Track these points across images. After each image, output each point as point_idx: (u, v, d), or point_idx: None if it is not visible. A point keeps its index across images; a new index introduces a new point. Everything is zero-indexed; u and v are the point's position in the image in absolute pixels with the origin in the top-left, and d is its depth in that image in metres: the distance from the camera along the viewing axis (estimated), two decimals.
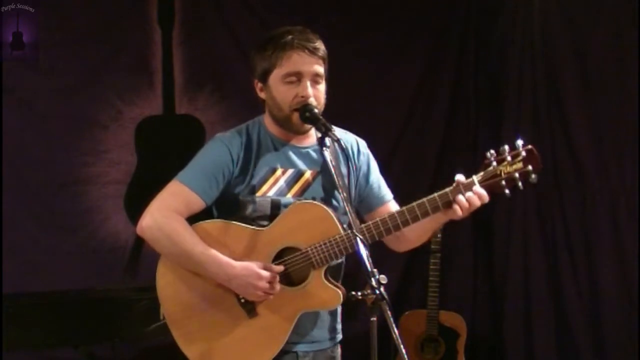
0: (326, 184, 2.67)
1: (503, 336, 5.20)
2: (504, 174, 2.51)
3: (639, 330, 4.56)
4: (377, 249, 2.58)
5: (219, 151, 2.64)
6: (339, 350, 2.79)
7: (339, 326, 2.78)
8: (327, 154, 2.55)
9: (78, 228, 4.72)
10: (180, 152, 4.71)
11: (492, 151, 2.54)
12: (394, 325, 2.27)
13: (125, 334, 4.07)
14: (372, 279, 2.28)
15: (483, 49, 5.33)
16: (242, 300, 2.59)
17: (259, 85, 2.67)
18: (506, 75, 5.20)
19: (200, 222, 2.62)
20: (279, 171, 2.66)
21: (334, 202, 2.67)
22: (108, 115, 4.77)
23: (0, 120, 4.47)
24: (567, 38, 4.86)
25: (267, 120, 2.70)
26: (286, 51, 2.58)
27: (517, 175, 2.50)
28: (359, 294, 2.33)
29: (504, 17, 5.20)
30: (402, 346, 2.26)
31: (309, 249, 2.56)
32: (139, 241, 4.70)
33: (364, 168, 2.77)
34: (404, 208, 2.55)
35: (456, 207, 2.51)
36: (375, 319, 2.31)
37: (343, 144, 2.56)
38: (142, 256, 4.72)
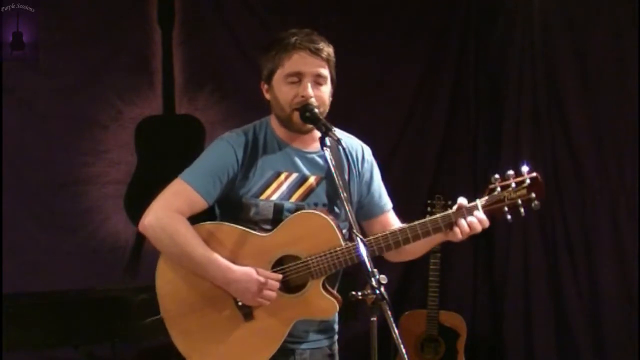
0: (329, 190, 2.68)
1: (503, 336, 5.20)
2: (507, 199, 2.54)
3: (639, 330, 4.56)
4: None
5: (224, 152, 2.64)
6: (336, 347, 2.80)
7: (336, 326, 2.79)
8: (328, 153, 2.55)
9: (78, 228, 4.72)
10: (180, 152, 4.75)
11: (497, 176, 2.56)
12: (394, 325, 2.27)
13: (125, 334, 4.07)
14: (372, 279, 2.28)
15: (483, 49, 5.34)
16: (240, 304, 2.60)
17: (265, 86, 2.69)
18: (506, 75, 5.20)
19: (203, 223, 2.62)
20: (283, 175, 2.66)
21: (336, 209, 2.68)
22: (108, 115, 4.77)
23: (0, 120, 4.47)
24: (567, 38, 4.86)
25: (273, 121, 2.71)
26: (288, 51, 2.59)
27: (520, 202, 2.53)
28: (359, 294, 2.32)
29: (504, 17, 5.20)
30: (402, 346, 2.26)
31: (309, 258, 2.57)
32: (139, 241, 4.70)
33: (366, 176, 2.77)
34: (406, 226, 2.57)
35: (457, 230, 2.55)
36: (375, 319, 2.31)
37: (343, 144, 2.57)
38: (142, 256, 4.72)
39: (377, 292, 2.26)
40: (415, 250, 2.72)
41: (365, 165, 2.77)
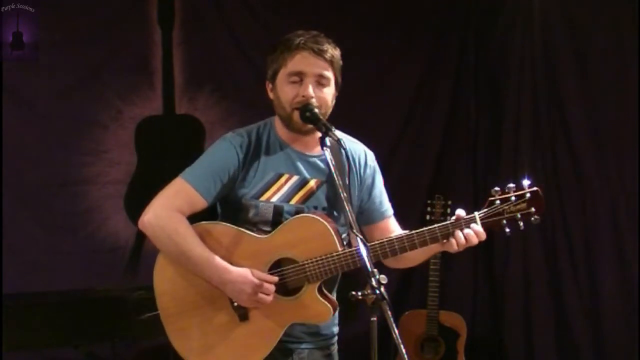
0: (330, 194, 2.68)
1: (503, 336, 5.20)
2: (507, 213, 2.52)
3: (639, 330, 4.56)
4: None
5: (226, 152, 2.64)
6: (335, 347, 2.80)
7: (336, 328, 2.79)
8: (328, 153, 2.55)
9: (78, 228, 4.72)
10: (180, 152, 4.76)
11: (497, 188, 2.55)
12: (394, 325, 2.27)
13: (125, 334, 4.07)
14: (372, 279, 2.28)
15: (483, 49, 5.34)
16: (235, 305, 2.60)
17: (269, 85, 2.69)
18: (506, 75, 5.20)
19: (202, 223, 2.62)
20: (284, 177, 2.66)
21: (335, 213, 2.68)
22: (108, 115, 4.77)
23: (0, 120, 4.47)
24: (567, 38, 4.86)
25: (277, 122, 2.71)
26: (292, 51, 2.60)
27: (519, 215, 2.51)
28: (359, 294, 2.32)
29: (504, 17, 5.20)
30: (402, 346, 2.26)
31: (305, 262, 2.57)
32: (139, 241, 4.70)
33: (368, 181, 2.77)
34: (404, 235, 2.57)
35: (453, 241, 2.54)
36: (375, 319, 2.31)
37: (344, 144, 2.57)
38: (142, 256, 4.73)
39: (377, 292, 2.26)
40: (413, 258, 2.71)
41: (368, 170, 2.77)
